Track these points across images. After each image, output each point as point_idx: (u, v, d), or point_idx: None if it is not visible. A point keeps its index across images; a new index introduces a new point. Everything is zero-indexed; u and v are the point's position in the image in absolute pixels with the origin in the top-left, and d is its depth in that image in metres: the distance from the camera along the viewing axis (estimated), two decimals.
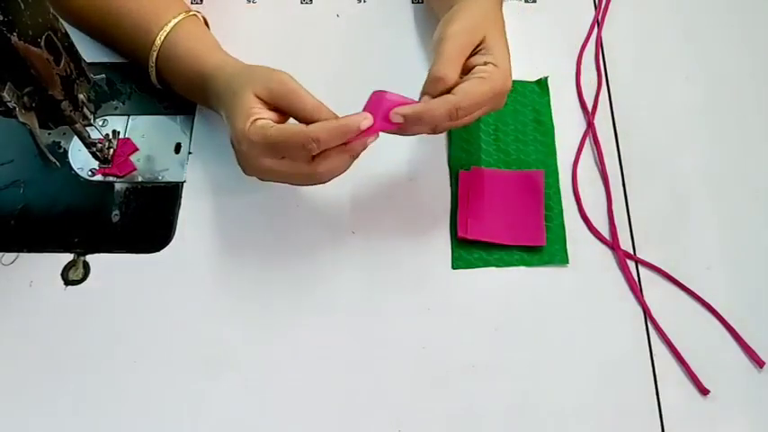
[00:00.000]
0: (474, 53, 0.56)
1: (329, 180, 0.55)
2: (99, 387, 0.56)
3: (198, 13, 0.64)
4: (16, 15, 0.47)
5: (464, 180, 0.64)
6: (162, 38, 0.61)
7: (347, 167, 0.55)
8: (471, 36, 0.56)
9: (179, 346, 0.57)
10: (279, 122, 0.54)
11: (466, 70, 0.57)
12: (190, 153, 0.65)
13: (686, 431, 0.55)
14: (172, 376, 0.56)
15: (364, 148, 0.54)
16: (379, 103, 0.53)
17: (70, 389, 0.56)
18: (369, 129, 0.53)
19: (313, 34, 0.71)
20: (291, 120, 0.55)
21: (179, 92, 0.65)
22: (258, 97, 0.54)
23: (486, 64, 0.56)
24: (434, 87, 0.54)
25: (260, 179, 0.56)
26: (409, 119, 0.53)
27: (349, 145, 0.53)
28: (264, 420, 0.55)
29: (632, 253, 0.61)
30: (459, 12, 0.58)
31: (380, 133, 0.54)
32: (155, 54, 0.62)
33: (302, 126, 0.52)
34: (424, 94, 0.55)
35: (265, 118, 0.53)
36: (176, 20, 0.62)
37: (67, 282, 0.60)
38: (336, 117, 0.53)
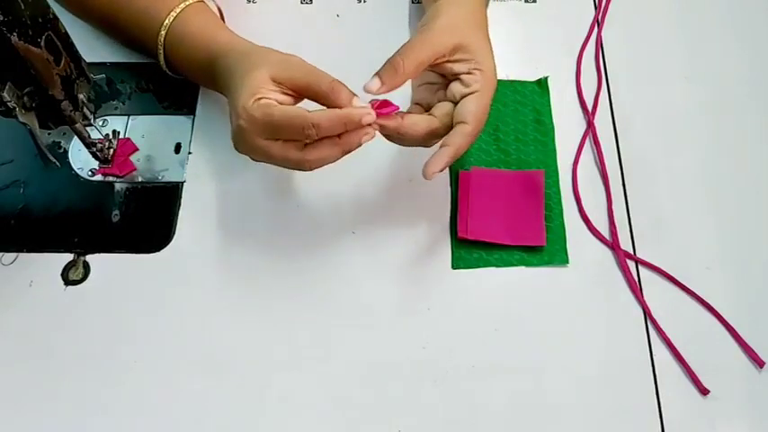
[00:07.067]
0: (455, 59, 0.56)
1: (317, 168, 0.54)
2: (99, 387, 0.56)
3: (208, 2, 0.65)
4: (16, 15, 0.47)
5: (464, 180, 0.64)
6: (172, 17, 0.62)
7: (337, 159, 0.54)
8: (447, 37, 0.55)
9: (179, 346, 0.57)
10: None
11: (446, 73, 0.56)
12: (190, 153, 0.65)
13: (686, 431, 0.55)
14: (172, 376, 0.56)
15: (359, 146, 0.54)
16: (384, 105, 0.54)
17: (70, 389, 0.56)
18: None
19: (313, 34, 0.71)
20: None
21: (186, 74, 0.65)
22: (274, 80, 0.53)
23: (470, 72, 0.55)
24: (388, 74, 0.54)
25: (251, 158, 0.55)
26: (444, 163, 0.53)
27: (343, 138, 0.53)
28: (264, 420, 0.55)
29: (632, 253, 0.61)
30: (441, 8, 0.57)
31: (377, 134, 0.54)
32: (164, 34, 0.62)
33: (305, 110, 0.52)
34: (377, 74, 0.54)
35: (271, 98, 0.53)
36: (186, 3, 0.62)
37: (67, 282, 0.60)
38: (354, 95, 0.53)
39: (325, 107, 0.53)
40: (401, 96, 0.56)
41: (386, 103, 0.54)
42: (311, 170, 0.54)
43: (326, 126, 0.51)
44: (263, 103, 0.52)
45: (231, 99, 0.55)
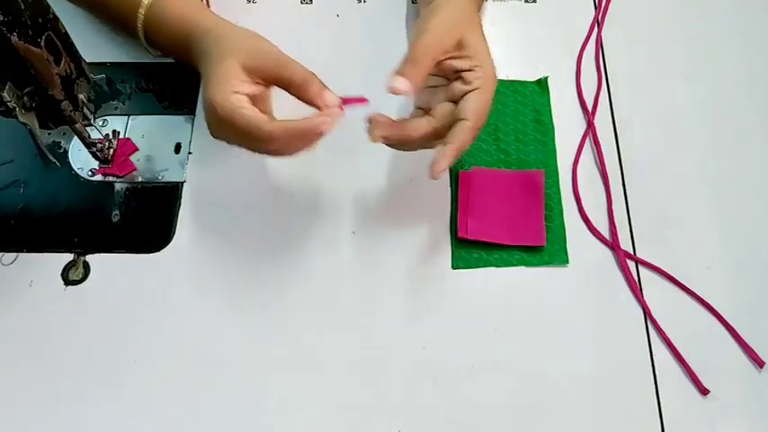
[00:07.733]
0: (457, 55, 0.56)
1: (290, 155, 0.55)
2: (99, 387, 0.56)
3: None
4: (16, 15, 0.47)
5: (464, 180, 0.64)
6: None
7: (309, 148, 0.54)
8: (447, 34, 0.55)
9: (179, 346, 0.57)
10: (258, 96, 0.54)
11: (447, 72, 0.56)
12: (190, 153, 0.65)
13: (686, 431, 0.55)
14: (172, 376, 0.56)
15: (330, 130, 0.53)
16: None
17: (70, 389, 0.56)
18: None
19: (313, 34, 0.71)
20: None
21: (165, 52, 0.66)
22: (245, 69, 0.54)
23: (472, 69, 0.55)
24: (408, 68, 0.54)
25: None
26: (448, 161, 0.54)
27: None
28: (264, 420, 0.55)
29: (632, 253, 0.61)
30: (438, 8, 0.57)
31: (378, 136, 0.54)
32: (143, 12, 0.62)
33: (265, 121, 0.52)
34: (398, 73, 0.53)
35: (242, 93, 0.53)
36: None
37: (67, 282, 0.60)
38: (325, 87, 0.54)
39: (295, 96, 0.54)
40: (404, 102, 0.55)
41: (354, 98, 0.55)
42: (286, 156, 0.55)
43: (284, 139, 0.52)
44: (233, 100, 0.52)
45: (205, 84, 0.55)
